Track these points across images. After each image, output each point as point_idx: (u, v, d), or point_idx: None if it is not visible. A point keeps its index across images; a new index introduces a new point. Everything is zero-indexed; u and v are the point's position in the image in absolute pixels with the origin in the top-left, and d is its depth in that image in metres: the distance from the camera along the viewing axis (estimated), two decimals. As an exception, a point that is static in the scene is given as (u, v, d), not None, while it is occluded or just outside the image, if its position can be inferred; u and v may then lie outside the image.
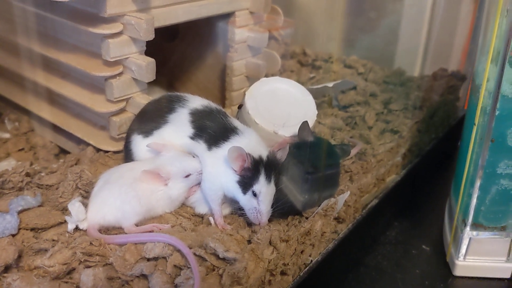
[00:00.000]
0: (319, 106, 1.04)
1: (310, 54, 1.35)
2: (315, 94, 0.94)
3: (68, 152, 0.93)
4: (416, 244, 0.95)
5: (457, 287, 0.86)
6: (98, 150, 0.86)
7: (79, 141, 0.90)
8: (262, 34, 1.00)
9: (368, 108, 1.04)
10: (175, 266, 0.61)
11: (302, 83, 1.21)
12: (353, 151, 0.89)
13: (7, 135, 0.97)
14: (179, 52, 1.12)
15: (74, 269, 0.61)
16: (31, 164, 0.89)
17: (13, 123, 1.00)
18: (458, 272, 0.87)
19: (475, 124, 0.80)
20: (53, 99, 0.94)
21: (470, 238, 0.85)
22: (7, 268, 0.60)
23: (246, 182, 0.69)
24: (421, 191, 1.10)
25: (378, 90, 1.13)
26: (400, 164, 0.98)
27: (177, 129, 0.75)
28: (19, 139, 0.96)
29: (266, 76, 1.06)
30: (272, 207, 0.70)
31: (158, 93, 1.06)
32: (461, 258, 0.86)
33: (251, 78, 1.04)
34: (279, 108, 0.87)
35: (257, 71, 1.02)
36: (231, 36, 0.98)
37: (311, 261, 0.75)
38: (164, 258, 0.62)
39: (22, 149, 0.94)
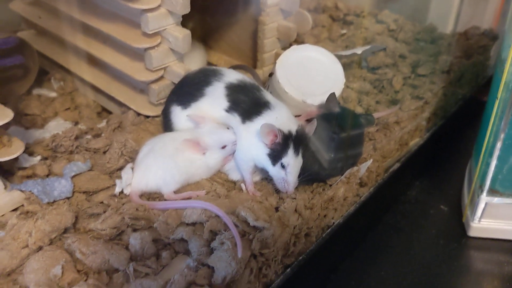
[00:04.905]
0: (348, 66, 1.07)
1: (342, 8, 1.35)
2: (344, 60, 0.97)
3: (110, 112, 1.00)
4: (435, 204, 1.00)
5: (470, 247, 0.92)
6: (139, 114, 0.92)
7: (120, 103, 0.96)
8: (294, -3, 1.01)
9: (396, 72, 1.07)
10: (211, 231, 0.69)
11: (333, 40, 1.24)
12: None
13: (54, 94, 1.05)
14: (212, 10, 1.15)
15: (123, 231, 0.70)
16: (76, 123, 0.97)
17: (58, 82, 1.06)
18: (472, 233, 0.93)
19: (497, 98, 0.83)
20: (95, 61, 1.00)
21: (486, 203, 0.90)
22: (66, 230, 0.69)
23: (276, 155, 0.75)
24: (445, 151, 1.14)
25: (407, 51, 1.14)
26: (424, 127, 1.02)
27: (213, 102, 0.80)
28: (65, 98, 1.03)
29: (298, 35, 1.09)
30: (298, 177, 0.76)
31: (193, 47, 1.09)
32: (476, 220, 0.92)
33: (282, 40, 1.07)
34: (308, 76, 0.91)
35: (288, 34, 1.04)
36: (263, 0, 1.00)
37: (333, 223, 0.82)
38: (201, 223, 0.70)
39: (68, 108, 1.01)
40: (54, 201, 0.74)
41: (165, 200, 0.75)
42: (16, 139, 0.76)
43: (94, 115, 1.01)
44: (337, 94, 0.88)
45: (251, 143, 0.76)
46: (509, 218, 0.91)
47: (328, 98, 0.84)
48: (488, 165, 0.87)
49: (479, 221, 0.92)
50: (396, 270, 0.86)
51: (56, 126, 0.96)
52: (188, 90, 0.82)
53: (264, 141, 0.75)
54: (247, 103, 0.78)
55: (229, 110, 0.79)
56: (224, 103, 0.80)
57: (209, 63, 1.15)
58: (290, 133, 0.75)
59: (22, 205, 0.73)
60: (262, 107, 0.78)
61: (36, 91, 1.05)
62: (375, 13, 1.34)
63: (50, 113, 0.99)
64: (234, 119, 0.79)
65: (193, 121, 0.81)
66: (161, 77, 0.90)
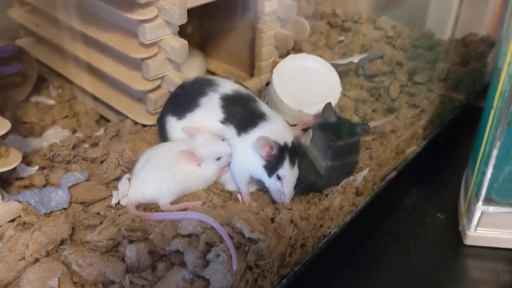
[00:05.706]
0: (345, 75, 1.07)
1: (340, 14, 1.35)
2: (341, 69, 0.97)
3: (108, 120, 1.01)
4: (432, 212, 1.00)
5: (467, 255, 0.92)
6: (136, 123, 0.93)
7: (118, 111, 0.97)
8: (291, 6, 1.02)
9: (393, 79, 1.07)
10: (206, 243, 0.69)
11: (331, 47, 1.24)
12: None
13: (52, 102, 1.05)
14: (210, 17, 1.15)
15: (119, 243, 0.70)
16: (74, 131, 0.97)
17: (57, 90, 1.07)
18: (468, 241, 0.93)
19: (493, 108, 0.83)
20: (93, 69, 1.00)
21: (482, 212, 0.90)
22: (62, 241, 0.69)
23: (272, 167, 0.75)
24: (441, 159, 1.14)
25: (404, 58, 1.15)
26: (421, 135, 1.02)
27: (209, 113, 0.81)
28: (63, 106, 1.03)
29: (296, 42, 1.09)
30: (294, 188, 0.77)
31: (192, 55, 1.09)
32: (472, 229, 0.92)
33: (280, 48, 1.07)
34: (305, 85, 0.91)
35: (285, 42, 1.04)
36: (261, 8, 1.01)
37: (329, 232, 0.82)
38: (197, 235, 0.70)
39: (66, 116, 1.02)
40: (51, 212, 0.74)
41: (162, 211, 0.76)
42: (13, 149, 0.77)
43: (92, 122, 1.02)
44: (334, 103, 0.89)
45: (246, 155, 0.77)
46: (505, 227, 0.92)
47: (324, 108, 0.84)
48: (484, 174, 0.87)
49: (475, 229, 0.92)
50: (393, 279, 0.87)
51: (54, 134, 0.96)
52: (183, 100, 0.83)
53: (260, 153, 0.75)
54: (242, 114, 0.79)
55: (225, 121, 0.80)
56: (219, 114, 0.80)
57: (207, 71, 1.15)
58: (286, 145, 0.75)
59: (19, 216, 0.74)
60: (257, 119, 0.78)
61: (34, 99, 1.05)
62: (373, 19, 1.34)
63: (48, 121, 1.00)
64: (230, 131, 0.79)
65: (188, 133, 0.81)
66: (158, 87, 0.91)
